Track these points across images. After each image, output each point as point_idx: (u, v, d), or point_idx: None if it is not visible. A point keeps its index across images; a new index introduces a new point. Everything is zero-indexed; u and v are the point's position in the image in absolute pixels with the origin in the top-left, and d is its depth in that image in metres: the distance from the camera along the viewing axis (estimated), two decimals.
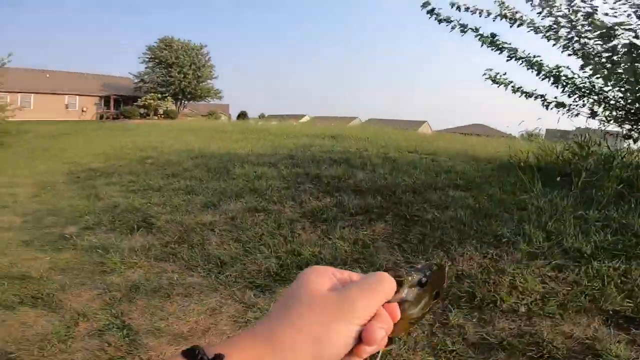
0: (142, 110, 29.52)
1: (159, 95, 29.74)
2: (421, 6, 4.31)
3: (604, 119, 4.49)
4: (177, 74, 29.71)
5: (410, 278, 0.37)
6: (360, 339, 0.33)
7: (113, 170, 5.87)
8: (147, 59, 31.23)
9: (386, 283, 0.35)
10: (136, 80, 31.42)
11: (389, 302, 0.35)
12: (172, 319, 2.23)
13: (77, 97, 29.82)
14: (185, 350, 0.28)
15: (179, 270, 2.77)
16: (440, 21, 4.38)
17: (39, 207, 4.52)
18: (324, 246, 2.88)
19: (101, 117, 28.88)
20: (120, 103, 31.63)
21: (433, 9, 4.33)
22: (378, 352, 0.36)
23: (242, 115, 41.82)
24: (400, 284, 0.36)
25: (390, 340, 0.37)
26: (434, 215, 3.21)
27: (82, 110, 29.48)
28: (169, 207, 4.03)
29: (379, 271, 0.37)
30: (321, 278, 0.35)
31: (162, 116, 29.91)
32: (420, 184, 4.12)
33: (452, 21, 4.36)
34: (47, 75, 30.02)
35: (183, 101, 32.38)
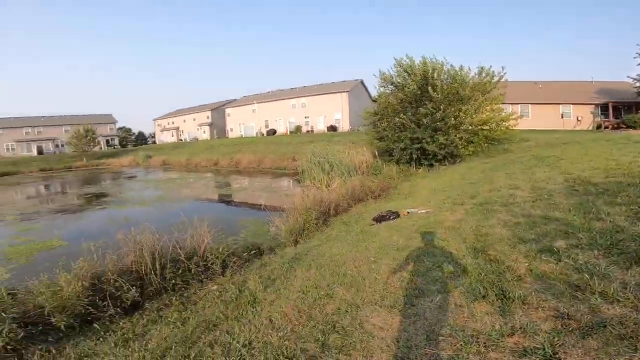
0: None
1: None
2: None
3: None
4: None
5: None
6: None
7: (619, 190, 4.91)
8: None
9: None
10: (637, 85, 25.07)
11: None
12: None
13: (571, 105, 28.97)
14: None
15: None
16: None
17: (532, 212, 4.75)
18: None
19: (599, 127, 26.20)
20: (620, 111, 26.93)
21: None
22: None
23: None
24: None
25: None
26: None
27: (577, 119, 28.40)
28: None
29: None
30: None
31: None
32: None
33: None
34: (540, 87, 31.65)
35: None
